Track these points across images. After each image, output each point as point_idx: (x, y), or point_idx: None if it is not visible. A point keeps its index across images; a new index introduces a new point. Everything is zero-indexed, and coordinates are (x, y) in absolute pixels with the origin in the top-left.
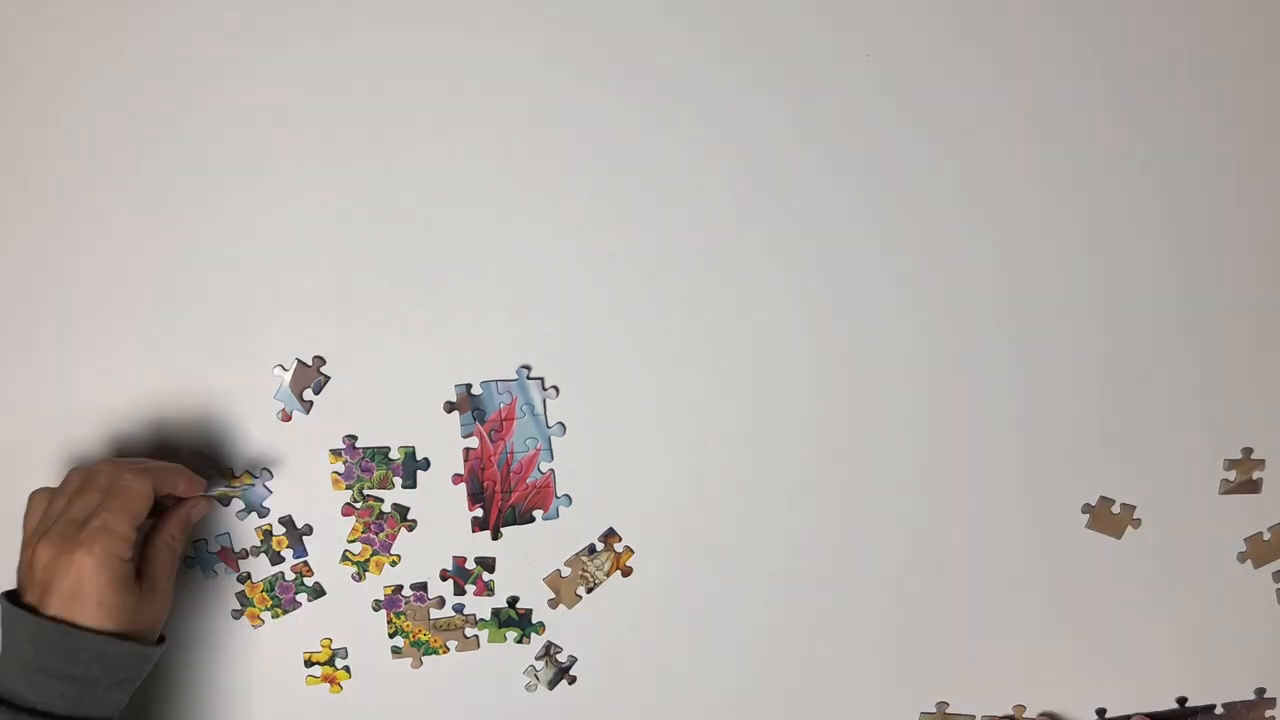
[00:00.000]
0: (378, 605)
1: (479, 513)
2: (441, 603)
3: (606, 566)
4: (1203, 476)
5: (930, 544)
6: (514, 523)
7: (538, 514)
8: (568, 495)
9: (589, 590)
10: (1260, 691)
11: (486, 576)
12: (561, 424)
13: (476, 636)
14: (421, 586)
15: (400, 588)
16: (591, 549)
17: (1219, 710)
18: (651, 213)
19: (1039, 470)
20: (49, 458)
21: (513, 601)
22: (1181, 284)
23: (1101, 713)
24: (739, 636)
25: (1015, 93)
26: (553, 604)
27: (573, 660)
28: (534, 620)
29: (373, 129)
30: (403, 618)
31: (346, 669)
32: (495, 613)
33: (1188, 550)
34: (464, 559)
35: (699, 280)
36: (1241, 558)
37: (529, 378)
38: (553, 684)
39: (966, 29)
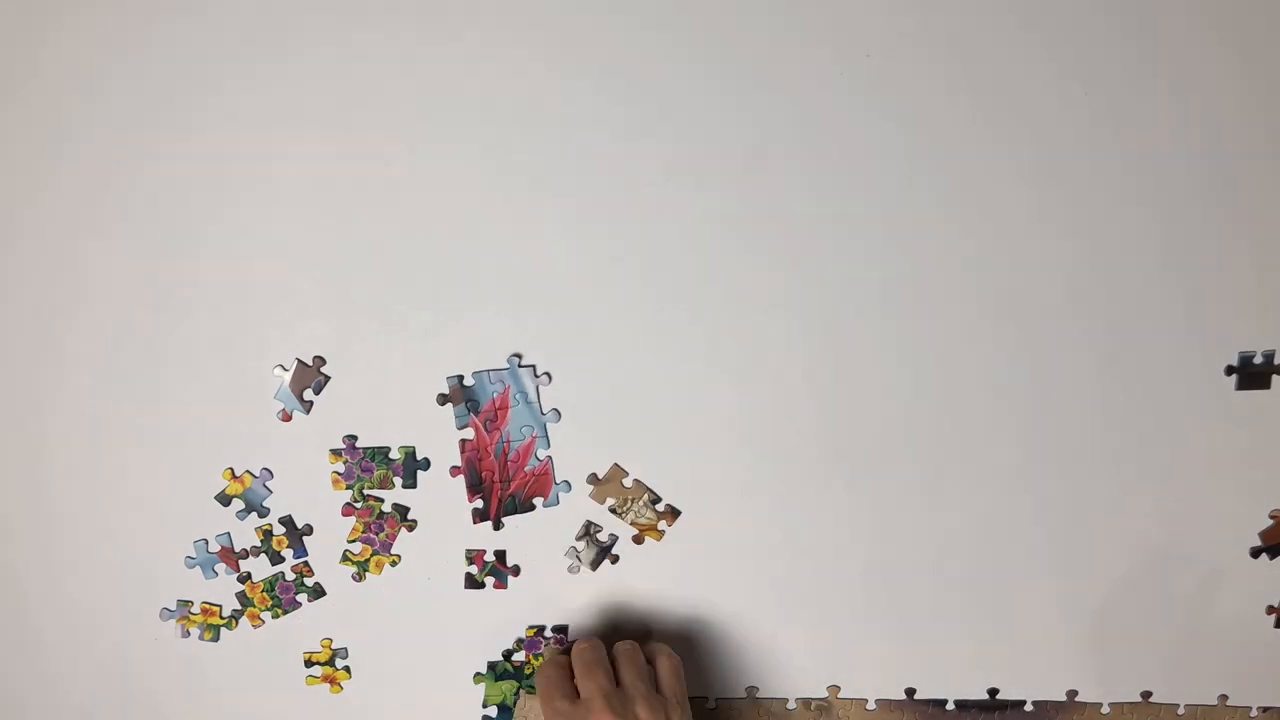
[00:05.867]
0: (520, 644)
1: (479, 504)
2: None
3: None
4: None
5: (931, 544)
6: (515, 512)
7: (538, 502)
8: (567, 481)
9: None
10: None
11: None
12: (556, 410)
13: None
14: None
15: (542, 629)
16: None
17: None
18: (641, 202)
19: (1039, 470)
20: (48, 458)
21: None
22: (1179, 283)
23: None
24: (739, 632)
25: (1017, 92)
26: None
27: (614, 539)
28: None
29: (371, 128)
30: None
31: (346, 669)
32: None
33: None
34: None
35: (689, 267)
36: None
37: (520, 365)
38: (595, 564)
39: (967, 29)
